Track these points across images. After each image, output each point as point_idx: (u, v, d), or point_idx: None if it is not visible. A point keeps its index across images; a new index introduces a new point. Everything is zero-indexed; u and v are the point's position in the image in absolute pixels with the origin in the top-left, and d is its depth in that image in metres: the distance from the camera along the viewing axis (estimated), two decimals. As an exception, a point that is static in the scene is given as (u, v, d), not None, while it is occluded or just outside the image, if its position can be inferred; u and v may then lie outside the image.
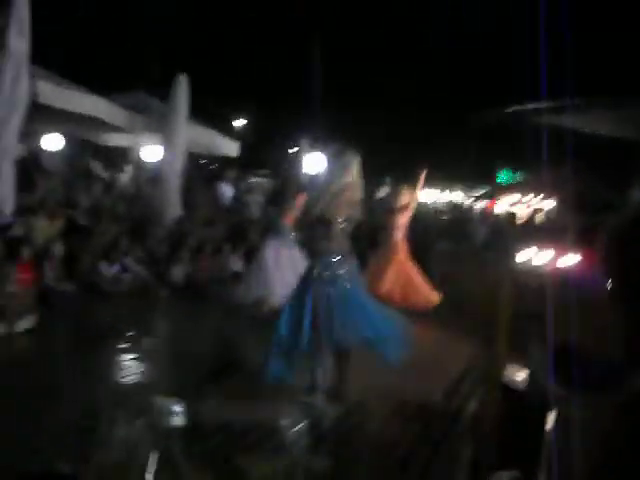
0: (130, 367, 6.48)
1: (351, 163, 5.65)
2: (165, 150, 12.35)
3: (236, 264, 11.81)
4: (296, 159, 9.30)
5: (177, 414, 3.57)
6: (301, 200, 8.80)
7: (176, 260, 10.97)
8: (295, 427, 4.81)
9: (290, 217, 8.98)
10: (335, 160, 5.73)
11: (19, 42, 8.18)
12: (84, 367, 6.28)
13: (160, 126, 12.24)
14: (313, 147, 13.31)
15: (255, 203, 14.41)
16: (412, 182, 9.89)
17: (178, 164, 12.22)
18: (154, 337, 8.06)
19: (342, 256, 5.47)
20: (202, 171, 17.45)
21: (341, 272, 5.40)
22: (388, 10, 28.63)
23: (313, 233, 5.57)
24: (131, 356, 6.80)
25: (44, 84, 9.41)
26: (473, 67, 27.43)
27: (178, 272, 10.73)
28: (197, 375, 6.16)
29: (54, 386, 5.70)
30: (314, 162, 12.78)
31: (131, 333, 7.76)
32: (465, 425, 5.50)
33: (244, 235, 12.55)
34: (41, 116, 11.82)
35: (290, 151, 19.31)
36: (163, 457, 3.42)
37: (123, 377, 6.19)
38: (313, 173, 5.61)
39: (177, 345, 7.63)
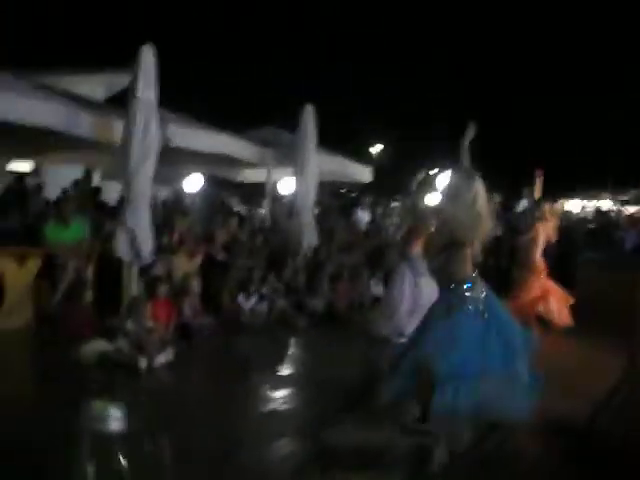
0: (271, 397, 6.54)
1: (477, 182, 5.48)
2: (298, 181, 12.55)
3: (376, 289, 11.81)
4: (424, 182, 9.16)
5: (115, 419, 3.48)
6: (421, 227, 8.74)
7: (314, 289, 11.09)
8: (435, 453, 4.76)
9: (417, 243, 8.93)
10: (462, 180, 5.55)
11: (147, 92, 8.57)
12: (225, 398, 6.40)
13: (291, 158, 12.46)
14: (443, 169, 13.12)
15: (393, 226, 14.39)
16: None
17: (311, 194, 12.38)
18: (294, 366, 8.12)
19: (475, 282, 5.22)
20: (339, 199, 17.64)
21: (475, 299, 5.14)
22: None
23: (444, 257, 5.34)
24: (272, 386, 6.86)
25: (175, 128, 9.84)
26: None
27: (317, 301, 10.82)
28: (336, 402, 6.17)
29: (195, 417, 5.86)
30: (443, 183, 12.55)
31: (271, 364, 7.85)
32: (613, 445, 5.20)
33: (382, 259, 12.54)
34: (182, 159, 12.41)
35: (430, 173, 19.14)
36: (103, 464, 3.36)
37: (264, 407, 6.27)
38: (441, 195, 5.50)
39: (317, 373, 7.60)
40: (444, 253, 5.26)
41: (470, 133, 5.46)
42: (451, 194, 5.41)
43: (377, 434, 5.33)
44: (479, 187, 5.29)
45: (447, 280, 5.23)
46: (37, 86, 9.72)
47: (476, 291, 5.08)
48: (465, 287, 5.09)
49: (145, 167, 8.58)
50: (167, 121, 9.51)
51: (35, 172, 13.63)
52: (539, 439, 5.49)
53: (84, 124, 8.93)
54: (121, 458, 3.76)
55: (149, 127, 8.53)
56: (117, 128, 8.87)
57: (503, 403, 4.90)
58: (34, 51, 19.16)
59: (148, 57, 8.53)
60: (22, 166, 13.75)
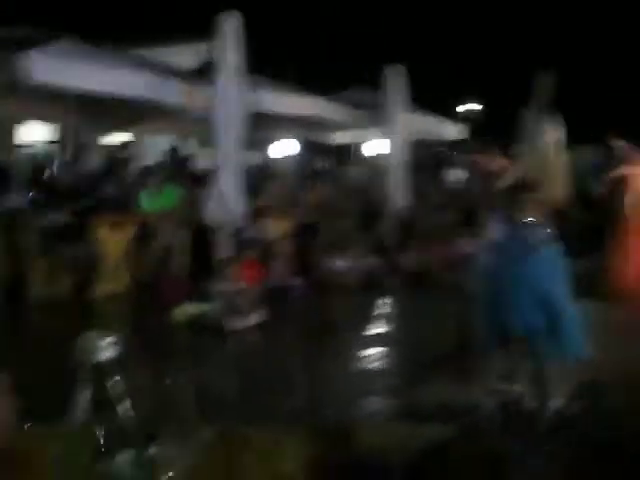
0: (361, 356, 6.61)
1: (553, 125, 5.35)
2: (388, 141, 12.48)
3: (468, 247, 11.65)
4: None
5: (106, 348, 3.45)
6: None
7: (406, 248, 11.04)
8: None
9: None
10: (537, 124, 5.43)
11: (232, 58, 8.67)
12: (315, 356, 6.56)
13: (380, 119, 12.38)
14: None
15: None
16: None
17: (402, 153, 12.28)
18: (385, 326, 8.16)
19: (542, 226, 5.14)
20: (432, 158, 17.38)
21: (538, 242, 5.07)
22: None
23: (511, 198, 5.27)
24: (362, 345, 6.93)
25: (264, 93, 9.94)
26: None
27: (409, 260, 10.77)
28: (426, 361, 6.18)
29: (284, 375, 5.99)
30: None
31: (362, 323, 7.92)
32: None
33: (475, 217, 12.34)
34: (273, 123, 12.54)
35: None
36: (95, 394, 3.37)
37: (354, 366, 6.35)
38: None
39: (408, 332, 7.65)
40: (512, 194, 5.23)
41: (546, 82, 5.27)
42: (528, 137, 5.33)
43: (466, 392, 5.30)
44: (554, 133, 5.20)
45: (510, 219, 5.21)
46: (127, 58, 10.02)
47: (540, 234, 5.03)
48: (531, 228, 5.04)
49: (232, 133, 8.72)
50: (256, 86, 9.62)
51: (128, 144, 14.06)
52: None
53: (174, 93, 9.16)
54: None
55: (234, 93, 8.65)
56: (206, 95, 9.03)
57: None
58: (124, 25, 19.58)
59: (232, 24, 8.63)
60: (118, 138, 14.18)
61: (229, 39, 8.62)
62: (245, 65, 8.80)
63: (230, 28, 8.61)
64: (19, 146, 12.71)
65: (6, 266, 8.13)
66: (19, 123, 12.12)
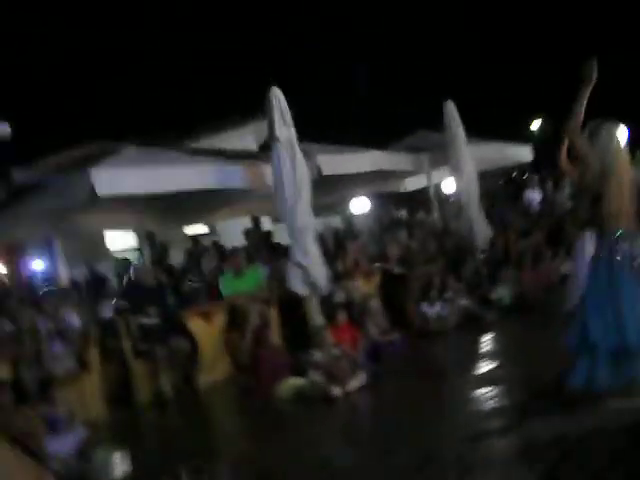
0: (472, 397, 6.45)
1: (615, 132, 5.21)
2: (457, 178, 12.39)
3: (563, 267, 11.34)
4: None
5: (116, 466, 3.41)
6: None
7: (498, 280, 10.83)
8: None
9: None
10: (604, 128, 5.28)
11: (285, 130, 8.84)
12: (423, 408, 6.40)
13: (446, 156, 12.32)
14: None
15: (563, 198, 13.83)
16: None
17: (473, 187, 12.14)
18: (489, 363, 7.93)
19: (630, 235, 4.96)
20: (506, 185, 17.16)
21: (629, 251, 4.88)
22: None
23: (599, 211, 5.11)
24: (471, 386, 6.77)
25: (322, 157, 10.05)
26: None
27: (503, 292, 10.55)
28: (536, 393, 5.99)
29: (396, 432, 5.85)
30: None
31: (466, 364, 7.76)
32: None
33: (561, 235, 12.04)
34: (341, 185, 12.66)
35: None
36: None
37: (466, 408, 6.23)
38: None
39: (513, 366, 7.46)
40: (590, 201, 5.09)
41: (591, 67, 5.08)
42: (598, 142, 5.18)
43: (578, 420, 5.07)
44: (618, 136, 5.06)
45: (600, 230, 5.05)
46: (188, 151, 10.34)
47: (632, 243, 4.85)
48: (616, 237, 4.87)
49: (300, 202, 8.82)
50: (313, 153, 9.74)
51: (199, 237, 14.40)
52: None
53: (237, 177, 9.35)
54: None
55: (294, 164, 8.79)
56: (268, 172, 9.20)
57: None
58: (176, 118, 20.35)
59: (277, 97, 8.82)
60: (195, 229, 14.53)
61: (277, 111, 8.81)
62: (296, 134, 8.96)
63: (276, 100, 8.81)
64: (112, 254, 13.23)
65: (110, 375, 8.33)
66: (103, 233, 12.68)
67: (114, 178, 8.14)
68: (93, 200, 8.19)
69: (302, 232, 8.88)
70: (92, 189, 7.84)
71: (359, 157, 11.23)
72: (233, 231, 13.90)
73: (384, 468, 4.97)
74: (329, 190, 12.22)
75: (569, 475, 4.24)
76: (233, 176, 9.30)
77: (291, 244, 9.02)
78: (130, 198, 9.03)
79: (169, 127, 16.14)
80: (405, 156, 12.57)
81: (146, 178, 8.57)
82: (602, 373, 4.93)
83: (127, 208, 10.36)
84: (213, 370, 8.72)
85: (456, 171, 12.18)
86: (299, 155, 8.89)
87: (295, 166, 8.82)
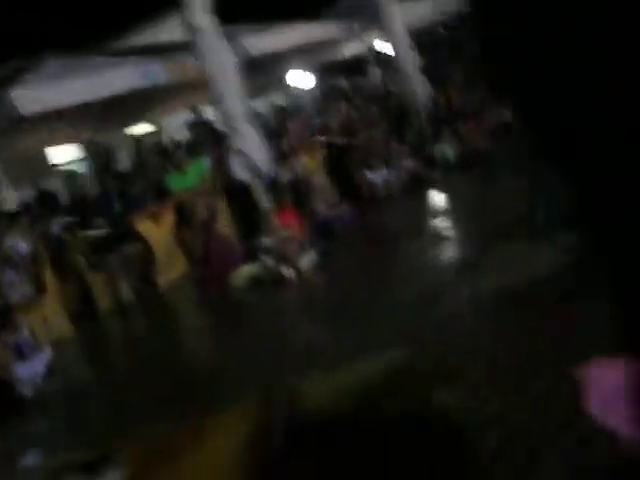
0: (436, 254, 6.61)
1: None
2: (389, 40, 12.20)
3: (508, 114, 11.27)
4: None
5: None
6: None
7: (441, 138, 10.74)
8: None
9: None
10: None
11: (205, 18, 8.58)
12: (379, 272, 6.62)
13: (376, 19, 12.06)
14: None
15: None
16: None
17: (404, 45, 11.95)
18: (445, 215, 8.11)
19: None
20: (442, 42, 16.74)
21: None
22: None
23: None
24: (431, 244, 6.92)
25: (249, 38, 9.79)
26: None
27: (447, 149, 10.48)
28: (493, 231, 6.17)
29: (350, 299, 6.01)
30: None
31: (420, 223, 7.92)
32: None
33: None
34: (274, 62, 12.40)
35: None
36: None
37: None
38: None
39: (470, 210, 7.74)
40: None
41: None
42: None
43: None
44: None
45: None
46: (111, 53, 10.08)
47: None
48: None
49: (230, 88, 8.68)
50: (236, 35, 9.50)
51: (155, 130, 14.12)
52: None
53: (160, 74, 9.17)
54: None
55: (216, 51, 8.58)
56: (191, 64, 9.02)
57: None
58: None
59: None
60: (141, 128, 14.21)
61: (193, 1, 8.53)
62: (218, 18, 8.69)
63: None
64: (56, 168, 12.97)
65: (68, 292, 8.36)
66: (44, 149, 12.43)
67: (37, 96, 7.98)
68: (20, 120, 8.05)
69: (236, 118, 8.78)
70: (15, 110, 7.70)
71: (287, 32, 10.98)
72: (179, 125, 13.69)
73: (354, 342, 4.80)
74: (263, 70, 11.97)
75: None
76: (157, 73, 9.11)
77: (229, 132, 8.94)
78: (60, 111, 8.84)
79: (95, 25, 15.43)
80: (336, 24, 12.30)
81: (71, 90, 8.44)
82: None
83: (59, 122, 10.16)
84: (169, 269, 8.79)
85: (388, 31, 11.96)
86: (220, 41, 8.67)
87: (218, 53, 8.62)
